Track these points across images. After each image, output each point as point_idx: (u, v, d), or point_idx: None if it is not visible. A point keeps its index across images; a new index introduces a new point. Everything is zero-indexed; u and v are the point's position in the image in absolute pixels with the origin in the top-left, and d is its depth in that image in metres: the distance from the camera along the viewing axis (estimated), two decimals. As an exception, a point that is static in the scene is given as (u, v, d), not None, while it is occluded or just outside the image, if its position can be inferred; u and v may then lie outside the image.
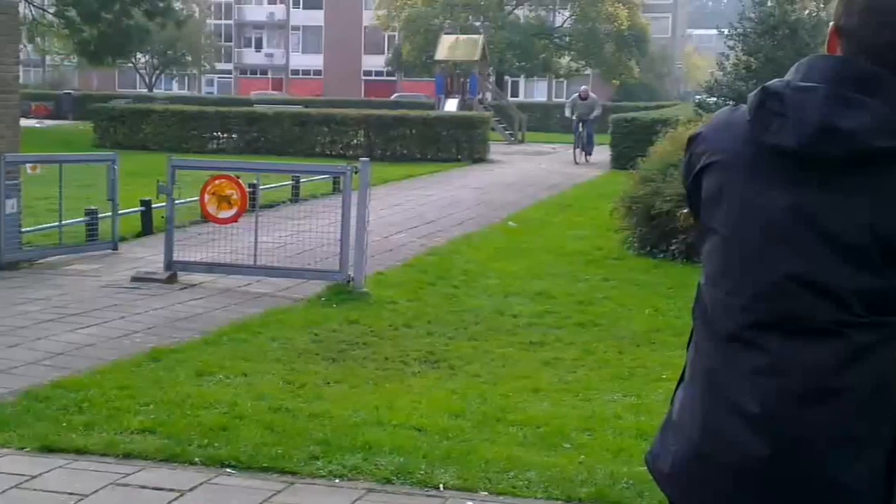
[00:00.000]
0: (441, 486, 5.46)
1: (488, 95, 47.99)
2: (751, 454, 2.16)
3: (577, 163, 31.65)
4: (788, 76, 2.22)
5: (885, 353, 2.15)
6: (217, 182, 11.19)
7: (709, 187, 2.29)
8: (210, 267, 11.38)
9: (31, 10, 44.59)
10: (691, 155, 2.37)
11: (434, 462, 5.73)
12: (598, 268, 12.75)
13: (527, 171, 29.03)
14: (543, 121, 58.95)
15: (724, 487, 2.22)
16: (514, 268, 12.70)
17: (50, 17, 44.84)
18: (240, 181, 11.35)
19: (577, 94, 33.23)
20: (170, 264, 11.31)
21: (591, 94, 33.28)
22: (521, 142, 43.90)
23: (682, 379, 2.40)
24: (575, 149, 32.25)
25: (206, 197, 11.18)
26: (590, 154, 32.34)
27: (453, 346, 8.79)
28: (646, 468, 2.44)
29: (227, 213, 11.20)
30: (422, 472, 5.60)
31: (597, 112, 31.96)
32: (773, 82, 2.20)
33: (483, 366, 8.18)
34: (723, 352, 2.23)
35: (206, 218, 11.74)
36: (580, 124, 31.86)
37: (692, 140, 2.38)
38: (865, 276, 2.11)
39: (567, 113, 32.70)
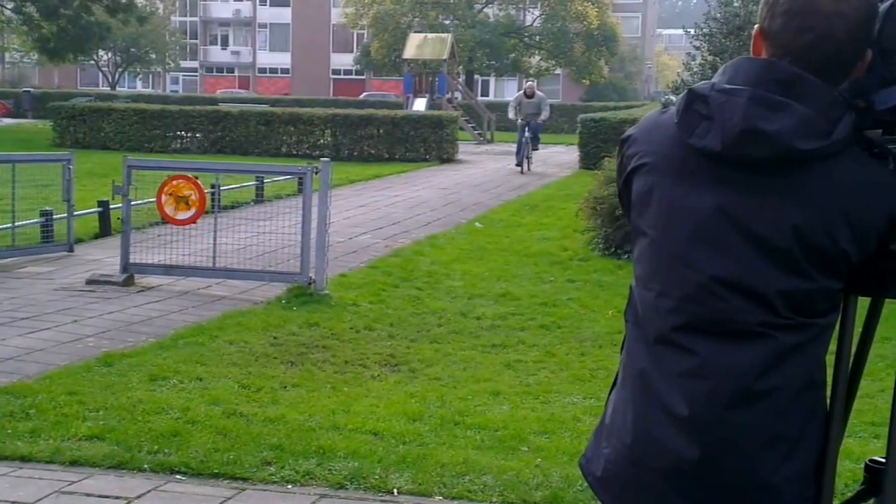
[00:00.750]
0: (395, 490, 5.43)
1: (458, 94, 47.99)
2: (681, 457, 2.18)
3: (522, 172, 27.64)
4: (715, 78, 2.24)
5: (811, 354, 2.18)
6: (175, 182, 11.10)
7: (639, 189, 2.31)
8: (168, 269, 11.31)
9: (-12, 7, 44.30)
10: (622, 157, 2.40)
11: (389, 466, 5.71)
12: (564, 269, 12.77)
13: (495, 171, 29.02)
14: (514, 120, 59.02)
15: (655, 490, 2.23)
16: (479, 269, 12.70)
17: (8, 12, 44.48)
18: (198, 182, 11.26)
19: (521, 91, 29.02)
20: (126, 266, 11.23)
21: (539, 92, 28.91)
22: (490, 141, 43.89)
23: (615, 383, 2.41)
24: (519, 154, 28.14)
25: (164, 198, 11.09)
26: (535, 149, 28.92)
27: (415, 349, 8.77)
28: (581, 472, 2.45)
29: (185, 215, 11.13)
30: (376, 476, 5.58)
31: (545, 114, 28.09)
32: (699, 84, 2.22)
33: (444, 368, 8.16)
34: (653, 354, 2.25)
35: (164, 219, 11.64)
36: (526, 128, 27.71)
37: (623, 142, 2.40)
38: (790, 277, 2.14)
39: (511, 115, 28.35)
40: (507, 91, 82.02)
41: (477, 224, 17.19)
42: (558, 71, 70.31)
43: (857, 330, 2.34)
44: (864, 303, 2.33)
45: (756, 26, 2.28)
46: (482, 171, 29.08)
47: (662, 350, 2.22)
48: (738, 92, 2.15)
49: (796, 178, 2.13)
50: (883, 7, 2.20)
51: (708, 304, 2.18)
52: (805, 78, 2.15)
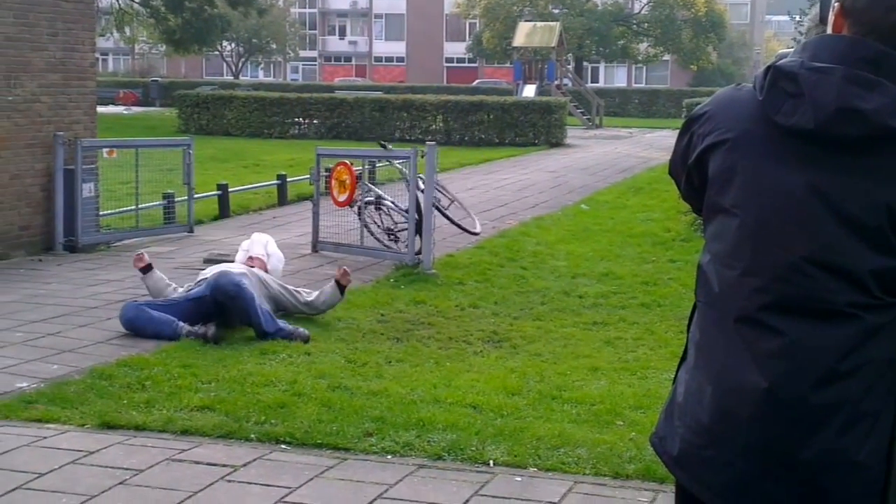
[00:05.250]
0: (491, 462, 5.39)
1: (567, 81, 47.75)
2: (764, 437, 2.11)
3: None
4: (796, 55, 2.15)
5: (894, 334, 2.08)
6: (339, 168, 11.88)
7: (717, 167, 2.22)
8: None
9: (118, 0, 45.31)
10: (692, 135, 2.30)
11: (486, 439, 5.67)
12: (666, 249, 12.61)
13: (602, 154, 28.77)
14: (622, 105, 58.60)
15: (736, 470, 2.15)
16: (583, 250, 12.60)
17: (136, 6, 45.51)
18: (352, 167, 11.82)
19: None
20: (315, 245, 12.12)
21: None
22: (599, 126, 43.60)
23: (683, 359, 2.33)
24: None
25: (333, 182, 11.92)
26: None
27: (517, 326, 8.73)
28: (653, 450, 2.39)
29: (344, 196, 11.82)
30: (473, 448, 5.54)
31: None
32: (784, 62, 2.14)
33: (545, 345, 8.11)
34: (734, 333, 2.16)
35: (333, 202, 12.12)
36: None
37: (694, 120, 2.31)
38: (882, 256, 2.06)
39: None
40: (617, 78, 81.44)
41: (583, 206, 17.05)
42: (666, 57, 69.46)
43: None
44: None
45: (837, 4, 2.19)
46: (590, 154, 28.83)
47: (745, 329, 2.14)
48: (831, 70, 2.07)
49: (887, 157, 2.05)
50: None
51: (797, 283, 2.09)
52: (893, 55, 2.07)
